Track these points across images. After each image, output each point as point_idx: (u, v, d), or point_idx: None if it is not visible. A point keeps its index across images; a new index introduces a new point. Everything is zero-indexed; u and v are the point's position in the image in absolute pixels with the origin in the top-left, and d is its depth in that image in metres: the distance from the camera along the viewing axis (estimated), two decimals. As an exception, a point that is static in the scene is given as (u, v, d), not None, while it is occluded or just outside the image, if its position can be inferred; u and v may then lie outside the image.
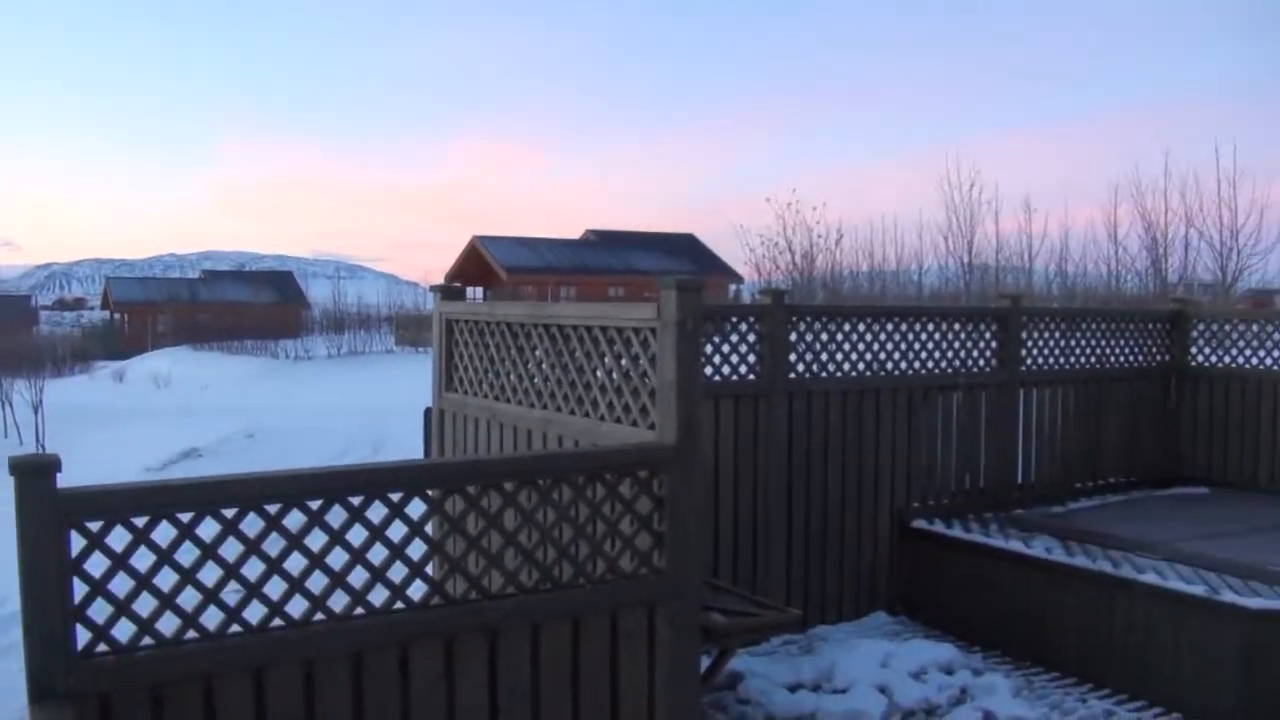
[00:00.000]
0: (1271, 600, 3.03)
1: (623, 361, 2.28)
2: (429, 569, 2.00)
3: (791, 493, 3.55)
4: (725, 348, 3.47)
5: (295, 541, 1.83)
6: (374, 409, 8.99)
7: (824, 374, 3.65)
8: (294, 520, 1.84)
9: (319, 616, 1.88)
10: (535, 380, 2.67)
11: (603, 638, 2.07)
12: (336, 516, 1.89)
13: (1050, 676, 3.40)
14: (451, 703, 1.97)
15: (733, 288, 23.47)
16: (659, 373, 2.14)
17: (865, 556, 3.71)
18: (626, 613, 2.09)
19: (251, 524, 1.80)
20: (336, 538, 1.86)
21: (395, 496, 1.91)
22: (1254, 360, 4.47)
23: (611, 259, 25.09)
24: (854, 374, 3.72)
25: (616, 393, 2.30)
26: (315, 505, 1.85)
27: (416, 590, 1.97)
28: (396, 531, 1.92)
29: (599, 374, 2.37)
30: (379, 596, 1.92)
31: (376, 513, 1.91)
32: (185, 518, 1.79)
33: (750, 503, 3.46)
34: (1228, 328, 4.59)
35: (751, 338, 3.52)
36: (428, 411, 3.43)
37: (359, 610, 1.91)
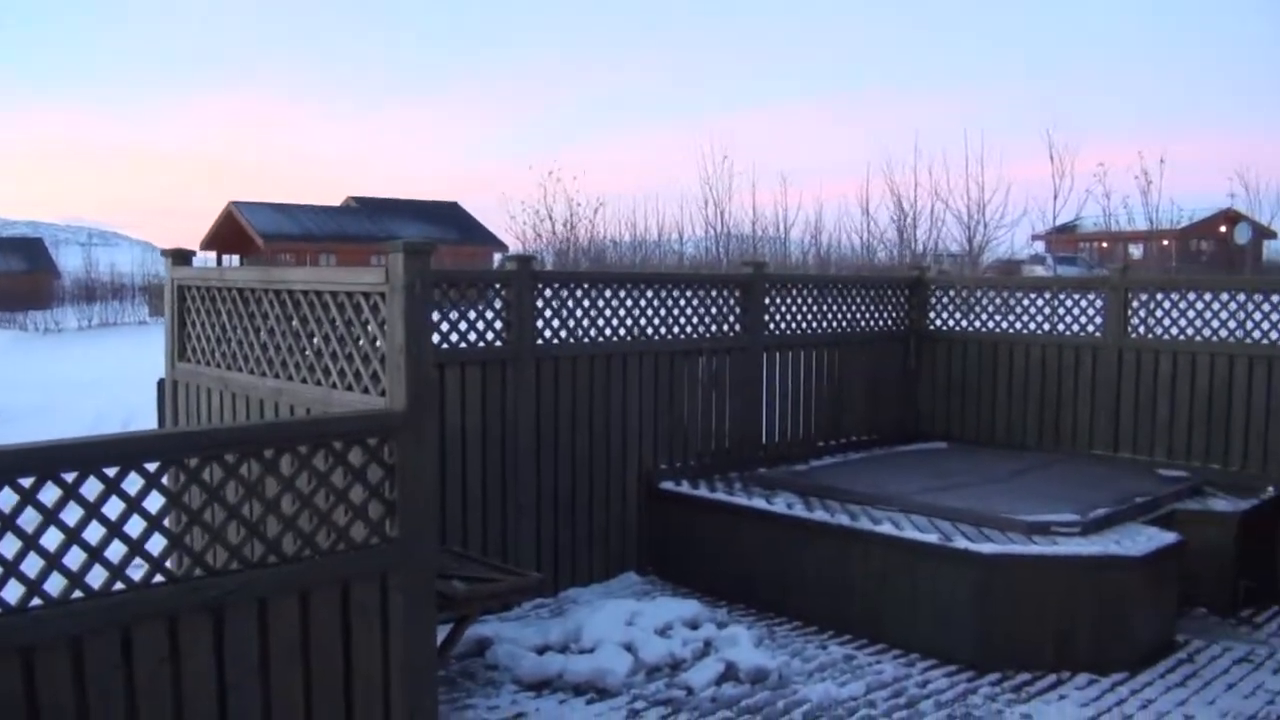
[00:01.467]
0: (1004, 545, 3.24)
1: (353, 327, 2.24)
2: (155, 545, 1.92)
3: (540, 458, 3.58)
4: (472, 314, 3.47)
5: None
6: (126, 381, 8.61)
7: (572, 340, 3.68)
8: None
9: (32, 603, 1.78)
10: (267, 349, 2.59)
11: (334, 609, 2.03)
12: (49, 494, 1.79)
13: (793, 626, 3.55)
14: (179, 684, 1.90)
15: (497, 256, 23.42)
16: (389, 338, 2.11)
17: (615, 518, 3.78)
18: (358, 583, 2.05)
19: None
20: (50, 516, 1.77)
21: (110, 471, 1.83)
22: (992, 324, 4.78)
23: (373, 226, 24.72)
24: (602, 340, 3.77)
25: (348, 359, 2.26)
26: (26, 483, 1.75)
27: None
28: (115, 508, 1.84)
29: (330, 340, 2.32)
30: (97, 578, 1.84)
31: (94, 488, 1.82)
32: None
33: (499, 468, 3.48)
34: (964, 293, 4.90)
35: (498, 304, 3.54)
36: (160, 383, 3.28)
37: (76, 594, 1.82)
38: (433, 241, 2.25)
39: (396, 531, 2.10)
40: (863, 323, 4.60)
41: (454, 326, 3.41)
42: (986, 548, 3.16)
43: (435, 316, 3.19)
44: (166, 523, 1.95)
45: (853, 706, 2.79)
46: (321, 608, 2.03)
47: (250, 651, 1.96)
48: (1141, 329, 4.25)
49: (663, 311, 3.88)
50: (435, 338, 3.31)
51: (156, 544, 1.94)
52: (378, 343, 2.18)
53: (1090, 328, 4.38)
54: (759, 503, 3.58)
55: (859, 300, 4.58)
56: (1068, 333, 4.46)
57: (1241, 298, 4.10)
